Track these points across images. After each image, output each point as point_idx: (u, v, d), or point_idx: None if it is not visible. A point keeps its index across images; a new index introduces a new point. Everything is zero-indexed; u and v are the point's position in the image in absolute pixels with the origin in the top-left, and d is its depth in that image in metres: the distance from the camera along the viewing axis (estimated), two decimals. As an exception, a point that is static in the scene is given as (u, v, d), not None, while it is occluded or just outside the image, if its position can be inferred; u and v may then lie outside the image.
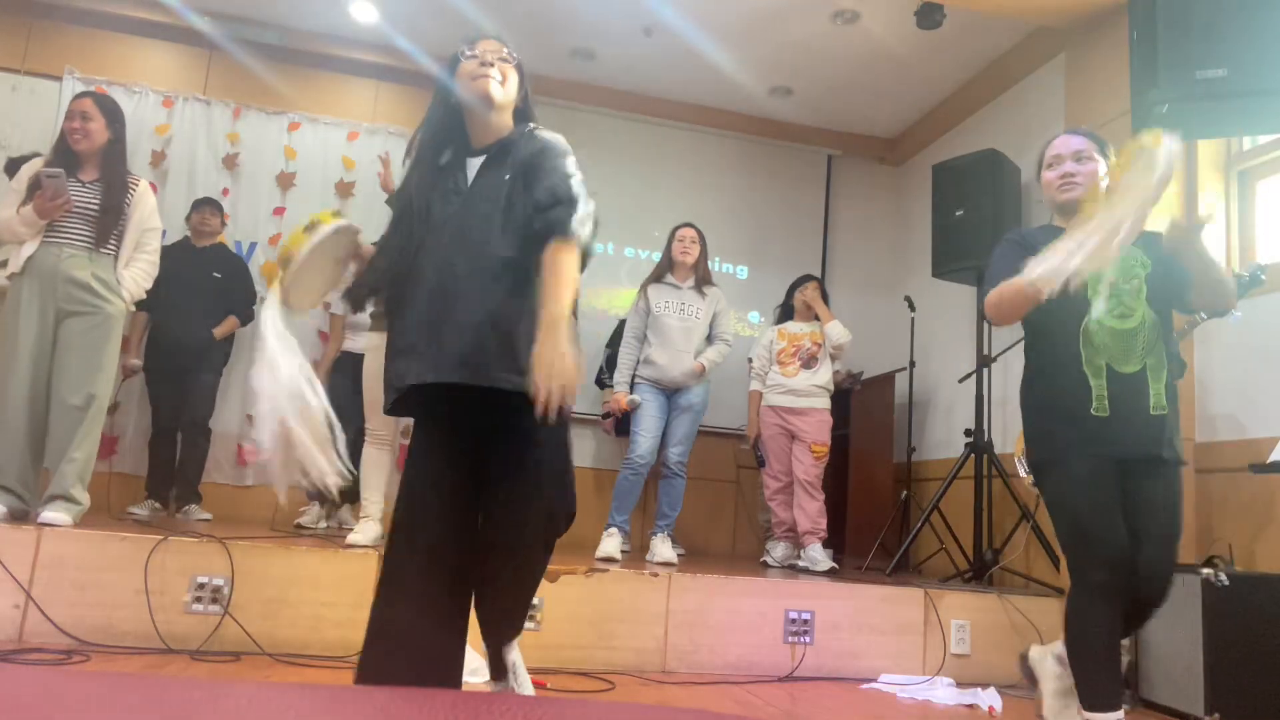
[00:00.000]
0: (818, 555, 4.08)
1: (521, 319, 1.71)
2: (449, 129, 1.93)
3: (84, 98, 3.25)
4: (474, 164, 1.89)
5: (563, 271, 1.69)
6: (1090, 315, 2.08)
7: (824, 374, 4.38)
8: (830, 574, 3.94)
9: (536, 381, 1.58)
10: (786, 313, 4.64)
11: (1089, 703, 2.04)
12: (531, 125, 1.93)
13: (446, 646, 1.84)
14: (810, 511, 4.20)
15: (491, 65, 1.87)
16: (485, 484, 1.84)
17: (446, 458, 1.86)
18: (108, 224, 3.18)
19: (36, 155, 3.46)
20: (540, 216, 1.75)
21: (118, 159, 3.27)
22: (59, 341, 3.12)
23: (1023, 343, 2.39)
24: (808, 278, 4.65)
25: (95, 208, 3.16)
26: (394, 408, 1.85)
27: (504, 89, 1.88)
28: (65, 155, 3.20)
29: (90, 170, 3.23)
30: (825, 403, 4.38)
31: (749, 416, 4.56)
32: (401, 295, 1.84)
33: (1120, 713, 2.03)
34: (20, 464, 3.06)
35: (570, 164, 1.83)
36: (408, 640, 1.78)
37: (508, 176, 1.83)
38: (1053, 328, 2.17)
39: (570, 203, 1.75)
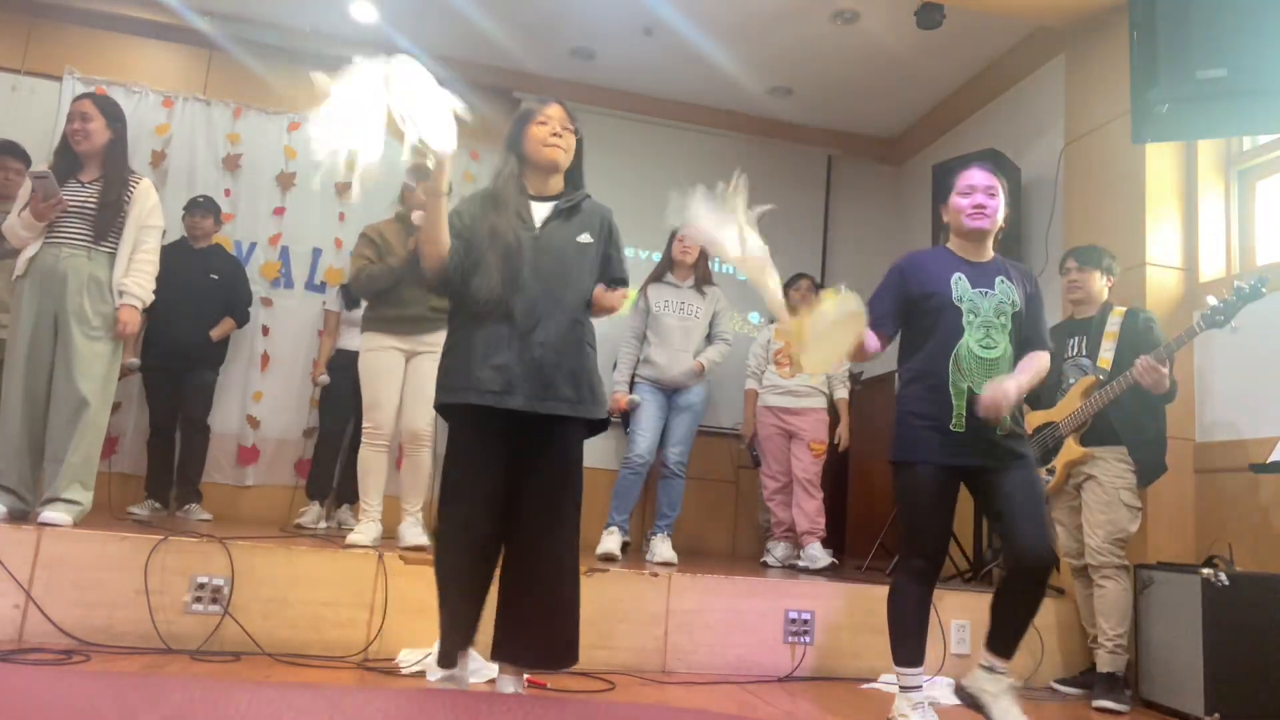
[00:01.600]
0: (816, 553, 4.09)
1: (590, 362, 2.27)
2: (517, 174, 2.31)
3: (84, 99, 3.25)
4: (537, 207, 2.29)
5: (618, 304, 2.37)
6: (962, 342, 2.38)
7: (820, 375, 4.38)
8: (830, 570, 3.94)
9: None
10: None
11: (899, 659, 2.40)
12: (588, 193, 2.38)
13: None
14: (809, 511, 4.21)
15: (560, 136, 2.27)
16: (526, 484, 2.20)
17: (492, 452, 2.18)
18: (105, 220, 3.15)
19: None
20: (616, 273, 2.38)
21: (119, 157, 3.26)
22: (59, 342, 3.10)
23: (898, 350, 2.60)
24: (800, 276, 4.64)
25: (94, 205, 3.15)
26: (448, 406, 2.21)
27: (567, 156, 2.31)
28: (68, 157, 3.21)
29: (92, 170, 3.22)
30: (822, 401, 4.39)
31: (745, 415, 4.57)
32: (482, 307, 2.18)
33: (922, 668, 2.41)
34: (20, 464, 3.05)
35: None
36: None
37: (585, 239, 2.30)
38: (930, 347, 2.42)
39: (624, 280, 2.40)
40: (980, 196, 2.44)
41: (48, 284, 3.10)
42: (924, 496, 2.39)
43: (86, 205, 3.15)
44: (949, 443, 2.35)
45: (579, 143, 2.36)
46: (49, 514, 2.87)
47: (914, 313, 2.47)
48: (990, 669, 2.35)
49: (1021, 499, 2.32)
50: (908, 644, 2.40)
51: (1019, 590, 2.33)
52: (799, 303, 4.52)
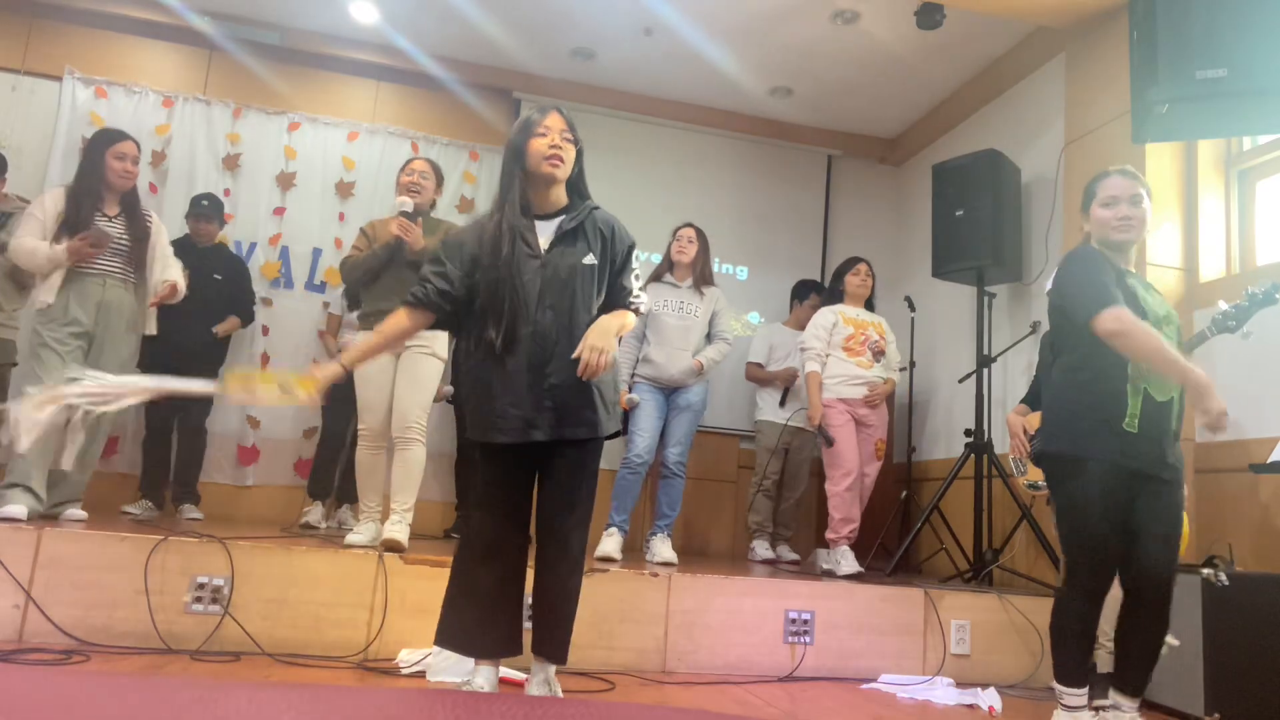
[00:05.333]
0: (844, 559, 3.88)
1: (603, 381, 2.25)
2: (520, 192, 2.27)
3: (129, 140, 3.48)
4: (541, 227, 2.27)
5: (621, 322, 2.28)
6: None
7: (881, 367, 4.21)
8: (854, 578, 3.73)
9: (584, 349, 2.13)
10: (835, 296, 4.32)
11: (1063, 679, 2.30)
12: (593, 204, 2.34)
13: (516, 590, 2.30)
14: (856, 514, 4.01)
15: (560, 148, 2.24)
16: (546, 492, 2.25)
17: (516, 475, 2.26)
18: (139, 256, 3.46)
19: None
20: (621, 303, 2.33)
21: (136, 196, 3.55)
22: (90, 360, 3.31)
23: (1051, 339, 2.51)
24: (857, 259, 4.32)
25: (126, 242, 3.42)
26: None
27: (566, 168, 2.27)
28: (94, 186, 3.39)
29: (113, 205, 3.45)
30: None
31: (810, 401, 4.10)
32: (492, 340, 2.19)
33: (1085, 689, 2.29)
34: (44, 468, 3.20)
35: (635, 262, 2.37)
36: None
37: (588, 261, 2.25)
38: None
39: (632, 304, 2.34)
40: (1125, 207, 2.36)
41: (94, 313, 3.34)
42: (1094, 500, 2.23)
43: (121, 240, 3.42)
44: (1121, 444, 2.24)
45: (580, 157, 2.32)
46: (76, 512, 3.24)
47: None
48: (1115, 707, 2.32)
49: (1163, 518, 2.26)
50: (1072, 660, 2.30)
51: (1134, 614, 2.27)
52: (858, 288, 4.25)
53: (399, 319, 2.27)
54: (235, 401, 2.25)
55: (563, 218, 2.27)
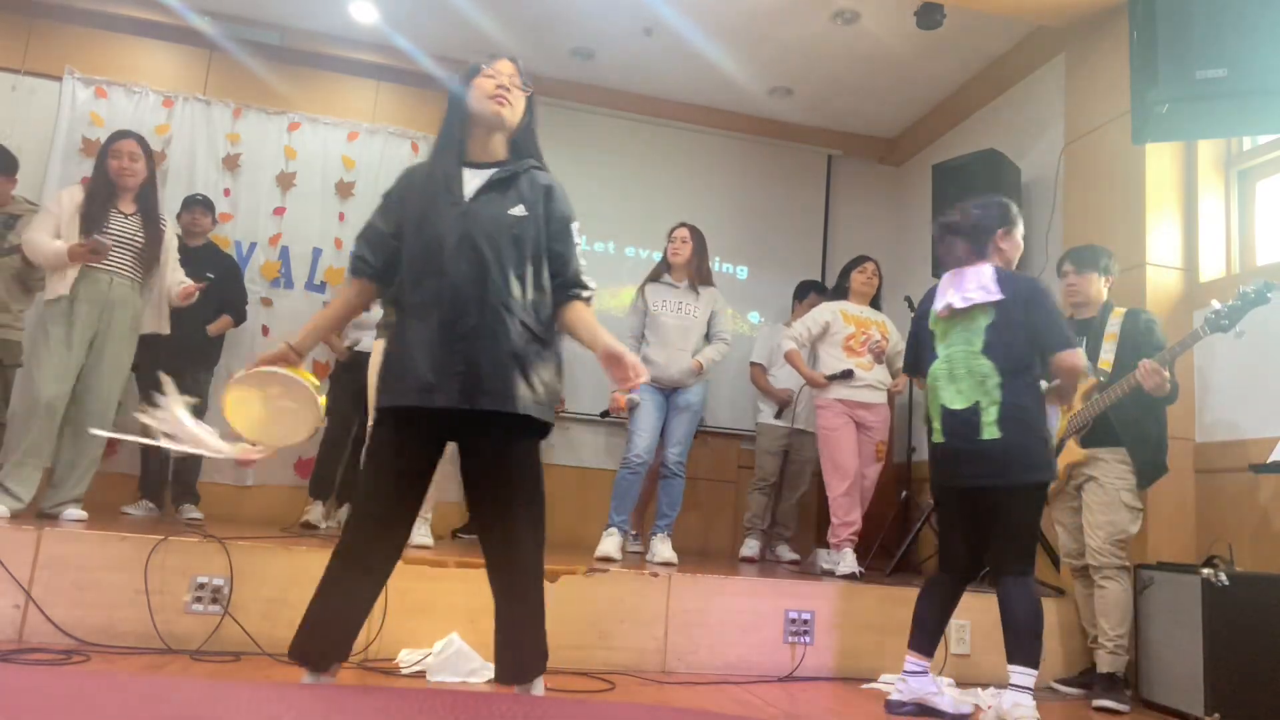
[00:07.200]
0: (843, 559, 3.88)
1: (529, 353, 1.95)
2: (458, 138, 2.05)
3: (128, 139, 3.55)
4: (470, 176, 2.02)
5: (592, 320, 2.05)
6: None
7: (884, 369, 4.18)
8: (853, 579, 3.71)
9: (620, 381, 1.91)
10: (840, 293, 4.30)
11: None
12: (533, 163, 2.08)
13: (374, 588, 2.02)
14: (855, 519, 3.98)
15: (508, 90, 2.02)
16: (475, 493, 1.99)
17: (411, 453, 1.98)
18: (151, 258, 3.54)
19: None
20: (569, 292, 2.04)
21: (153, 195, 3.62)
22: (95, 360, 3.42)
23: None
24: (864, 258, 4.30)
25: (140, 241, 3.50)
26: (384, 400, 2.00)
27: (514, 113, 2.04)
28: (105, 186, 3.47)
29: (129, 203, 3.53)
30: (885, 397, 4.18)
31: (804, 375, 4.14)
32: (409, 296, 1.98)
33: (921, 660, 2.68)
34: (40, 469, 3.26)
35: (576, 235, 2.08)
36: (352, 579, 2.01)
37: (516, 212, 1.99)
38: None
39: (585, 285, 2.06)
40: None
41: (95, 309, 3.38)
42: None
43: (135, 239, 3.50)
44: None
45: (531, 109, 2.10)
46: (76, 512, 3.26)
47: None
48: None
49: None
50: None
51: None
52: (863, 285, 4.23)
53: (341, 292, 2.11)
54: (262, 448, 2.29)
55: (496, 169, 2.03)
